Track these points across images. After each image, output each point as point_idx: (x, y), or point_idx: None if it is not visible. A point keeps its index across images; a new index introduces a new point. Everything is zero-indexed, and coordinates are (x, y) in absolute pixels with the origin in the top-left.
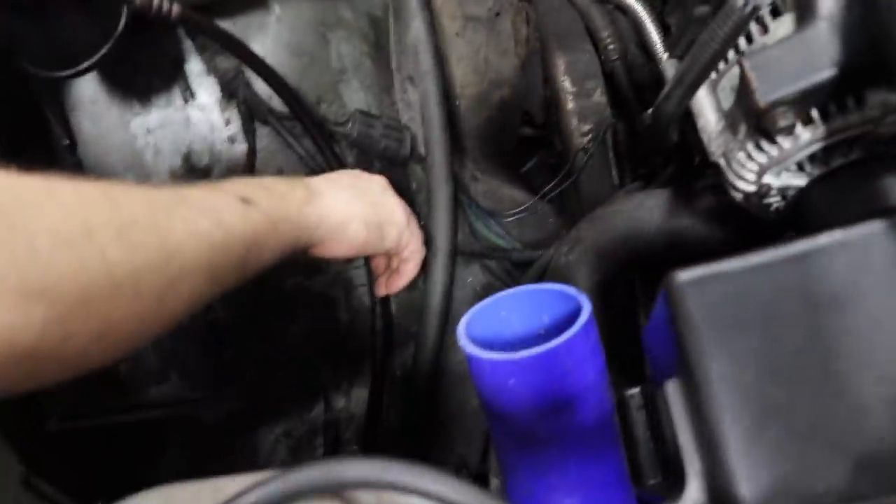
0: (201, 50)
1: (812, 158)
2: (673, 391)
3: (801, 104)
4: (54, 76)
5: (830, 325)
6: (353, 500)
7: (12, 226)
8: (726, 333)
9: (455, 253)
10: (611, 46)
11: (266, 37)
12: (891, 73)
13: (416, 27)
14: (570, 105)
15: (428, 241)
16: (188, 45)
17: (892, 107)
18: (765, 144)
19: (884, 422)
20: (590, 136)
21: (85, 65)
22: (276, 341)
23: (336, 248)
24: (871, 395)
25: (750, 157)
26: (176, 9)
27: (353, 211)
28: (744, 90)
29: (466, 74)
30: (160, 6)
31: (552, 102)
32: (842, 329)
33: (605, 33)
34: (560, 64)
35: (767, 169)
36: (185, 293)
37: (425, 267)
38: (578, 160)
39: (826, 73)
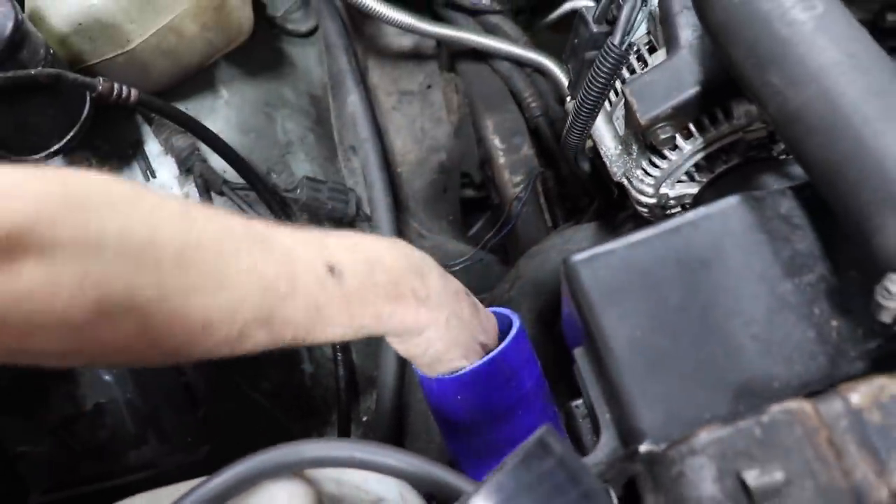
0: (157, 132)
1: (698, 167)
2: (580, 356)
3: (677, 118)
4: (23, 161)
5: (702, 283)
6: (317, 483)
7: (86, 222)
8: (617, 299)
9: None
10: (533, 105)
11: (217, 119)
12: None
13: (353, 101)
14: (502, 160)
15: None
16: (146, 128)
17: (754, 116)
18: (655, 159)
19: (753, 356)
20: (521, 185)
21: (54, 148)
22: (246, 398)
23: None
24: (742, 335)
25: (646, 172)
26: (134, 94)
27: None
28: (628, 112)
29: (405, 143)
30: (120, 92)
31: (486, 160)
32: (712, 285)
33: (526, 94)
34: (489, 125)
35: (662, 181)
36: (234, 326)
37: None
38: (514, 208)
39: (691, 90)
